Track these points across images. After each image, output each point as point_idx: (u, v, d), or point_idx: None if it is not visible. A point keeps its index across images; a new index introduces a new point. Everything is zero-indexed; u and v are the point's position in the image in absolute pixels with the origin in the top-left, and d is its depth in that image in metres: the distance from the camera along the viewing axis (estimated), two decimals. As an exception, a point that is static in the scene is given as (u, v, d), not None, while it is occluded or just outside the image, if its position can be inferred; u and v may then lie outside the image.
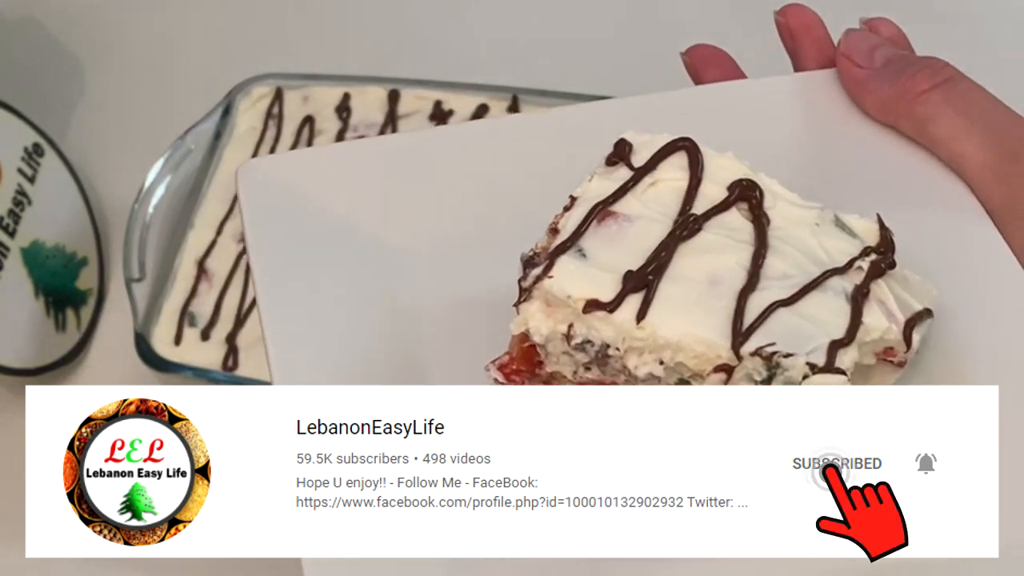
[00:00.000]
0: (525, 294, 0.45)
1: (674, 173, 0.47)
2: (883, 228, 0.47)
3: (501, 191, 0.52)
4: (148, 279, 0.67)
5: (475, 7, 0.84)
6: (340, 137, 0.72)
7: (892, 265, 0.46)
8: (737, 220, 0.47)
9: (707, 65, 0.57)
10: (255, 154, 0.72)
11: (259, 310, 0.49)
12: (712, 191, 0.47)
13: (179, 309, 0.66)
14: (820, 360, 0.43)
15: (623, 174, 0.48)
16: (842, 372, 0.43)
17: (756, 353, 0.43)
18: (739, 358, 0.43)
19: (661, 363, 0.44)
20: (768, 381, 0.44)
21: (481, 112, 0.73)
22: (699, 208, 0.47)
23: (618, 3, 0.84)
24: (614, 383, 0.46)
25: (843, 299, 0.45)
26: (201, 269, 0.67)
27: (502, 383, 0.47)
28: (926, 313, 0.46)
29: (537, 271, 0.45)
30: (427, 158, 0.53)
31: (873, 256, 0.46)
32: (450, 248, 0.51)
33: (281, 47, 0.82)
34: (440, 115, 0.73)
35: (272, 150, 0.72)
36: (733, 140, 0.48)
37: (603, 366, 0.46)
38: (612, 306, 0.44)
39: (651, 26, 0.82)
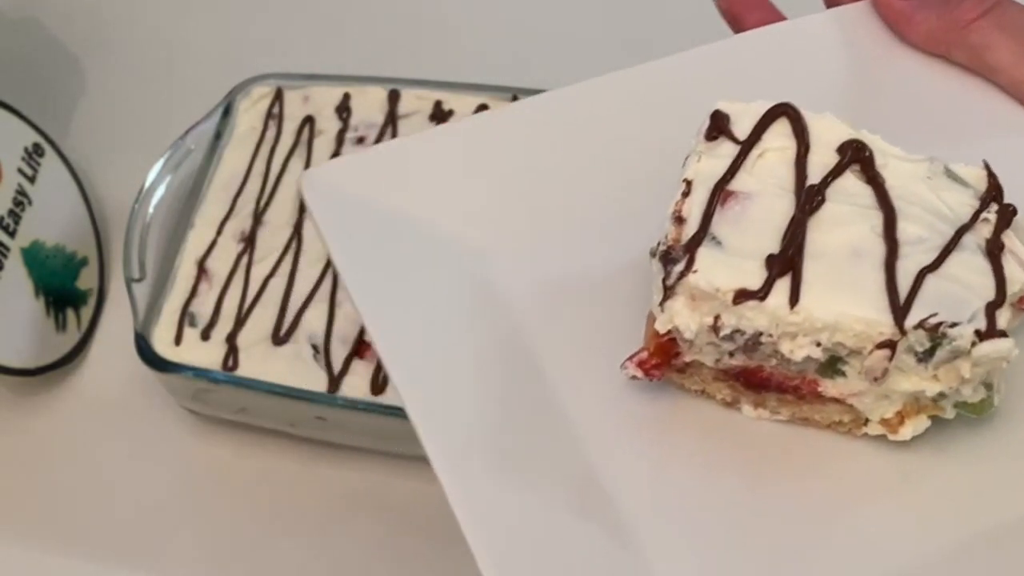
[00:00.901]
0: (669, 292, 0.44)
1: (780, 142, 0.47)
2: (991, 175, 0.46)
3: (565, 168, 0.50)
4: (148, 279, 0.67)
5: (475, 7, 0.84)
6: (340, 137, 0.72)
7: (1015, 212, 0.44)
8: (855, 185, 0.46)
9: (748, 9, 0.56)
10: (255, 154, 0.72)
11: (367, 330, 0.48)
12: (822, 156, 0.46)
13: (179, 309, 0.66)
14: (981, 325, 0.42)
15: (728, 149, 0.47)
16: (1004, 335, 0.42)
17: (920, 326, 0.42)
18: (903, 332, 0.43)
19: (818, 345, 0.44)
20: (931, 353, 0.43)
21: (481, 112, 0.73)
22: (814, 177, 0.46)
23: (619, 3, 0.84)
24: (760, 368, 0.46)
25: (981, 256, 0.44)
26: (201, 269, 0.68)
27: (640, 379, 0.47)
28: None
29: (679, 267, 0.44)
30: (482, 145, 0.52)
31: (994, 206, 0.45)
32: (530, 234, 0.50)
33: (281, 47, 0.82)
34: (440, 115, 0.73)
35: (272, 150, 0.72)
36: (786, 88, 0.47)
37: (752, 352, 0.45)
38: (762, 293, 0.43)
39: (652, 26, 0.82)
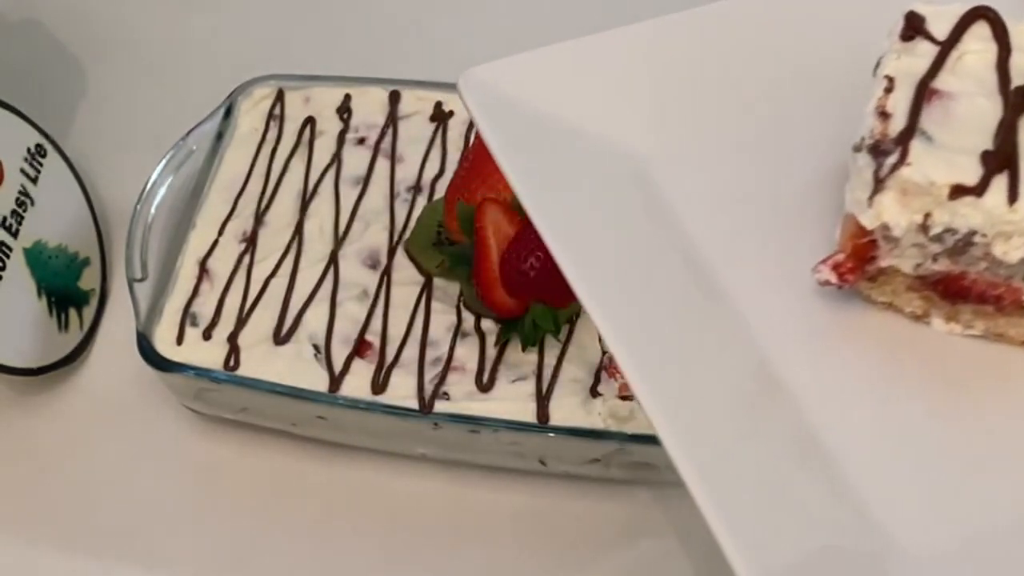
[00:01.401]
0: (879, 185, 0.43)
1: (979, 44, 0.46)
2: None
3: (727, 81, 0.50)
4: (150, 279, 0.67)
5: (475, 7, 0.84)
6: (341, 138, 0.72)
7: None
8: None
9: None
10: (256, 155, 0.72)
11: (544, 237, 0.46)
12: (1023, 61, 0.46)
13: (181, 309, 0.66)
14: None
15: (926, 48, 0.46)
16: None
17: None
18: None
19: None
20: None
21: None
22: (1018, 79, 0.45)
23: (618, 5, 0.84)
24: (963, 274, 0.45)
25: None
26: (203, 269, 0.68)
27: (834, 284, 0.46)
28: None
29: (892, 159, 0.43)
30: (646, 52, 0.52)
31: None
32: (697, 144, 0.49)
33: (282, 48, 0.82)
34: (441, 115, 0.73)
35: (273, 151, 0.72)
36: None
37: (960, 255, 0.44)
38: (979, 190, 0.42)
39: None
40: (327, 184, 0.71)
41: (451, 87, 0.73)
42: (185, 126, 0.72)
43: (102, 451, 0.68)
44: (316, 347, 0.64)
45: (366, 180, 0.71)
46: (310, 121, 0.73)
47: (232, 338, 0.65)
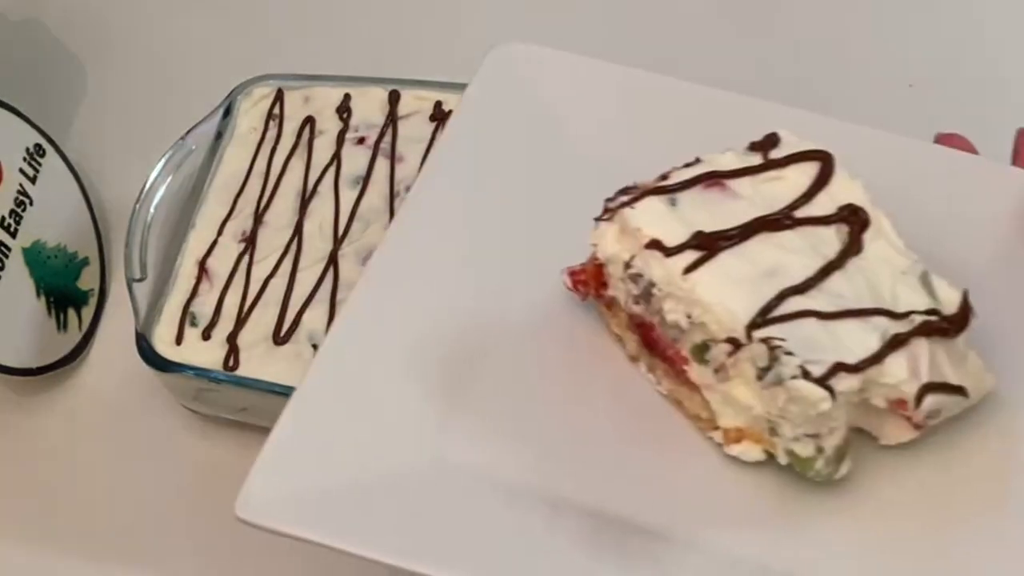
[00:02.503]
0: (608, 214, 0.49)
1: (800, 178, 0.49)
2: (965, 303, 0.47)
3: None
4: (149, 279, 0.67)
5: (475, 8, 0.84)
6: (341, 138, 0.72)
7: (945, 332, 0.46)
8: (830, 236, 0.48)
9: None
10: (256, 154, 0.72)
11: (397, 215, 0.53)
12: (824, 204, 0.49)
13: (180, 309, 0.66)
14: (818, 373, 0.44)
15: (755, 160, 0.50)
16: (830, 390, 0.44)
17: (764, 340, 0.45)
18: (749, 338, 0.45)
19: (688, 317, 0.47)
20: (766, 371, 0.45)
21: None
22: (802, 213, 0.48)
23: (617, 6, 0.84)
24: (652, 326, 0.49)
25: (878, 337, 0.45)
26: (202, 269, 0.68)
27: (570, 289, 0.51)
28: (957, 390, 0.46)
29: (625, 199, 0.49)
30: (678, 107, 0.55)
31: (934, 318, 0.46)
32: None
33: (282, 48, 0.82)
34: (440, 115, 0.73)
35: (273, 151, 0.72)
36: (905, 194, 0.50)
37: (646, 303, 0.48)
38: (671, 252, 0.47)
39: (648, 29, 0.82)
40: (327, 184, 0.71)
41: (451, 87, 0.73)
42: (184, 126, 0.72)
43: (101, 451, 0.68)
44: (316, 347, 0.64)
45: (366, 180, 0.71)
46: (309, 121, 0.73)
47: (231, 338, 0.65)
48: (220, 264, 0.68)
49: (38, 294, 0.69)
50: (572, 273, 0.51)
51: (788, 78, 0.78)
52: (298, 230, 0.69)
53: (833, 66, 0.80)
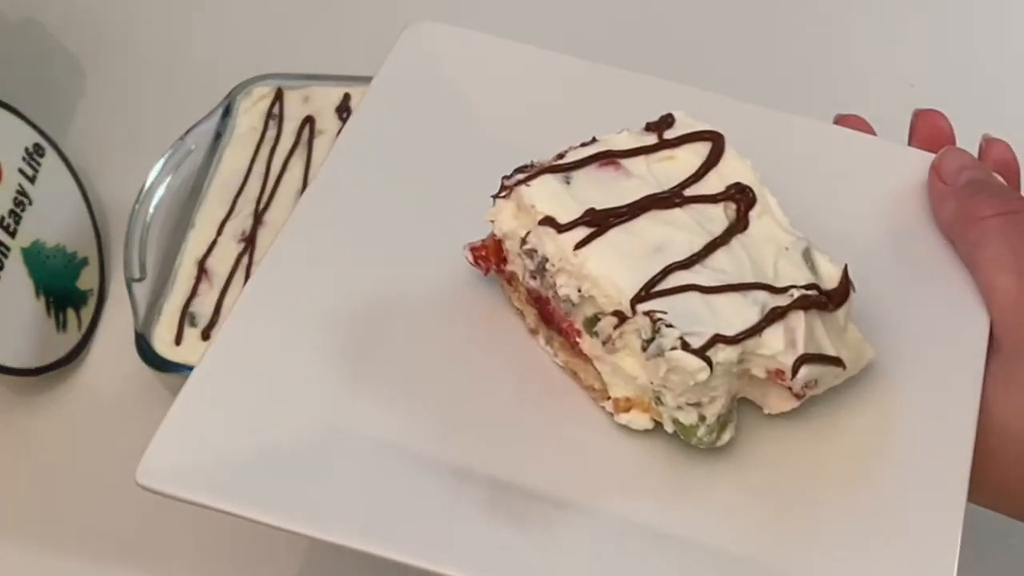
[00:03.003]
0: (505, 191, 0.50)
1: (691, 157, 0.51)
2: (845, 277, 0.48)
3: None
4: (149, 279, 0.67)
5: (474, 8, 0.84)
6: (340, 137, 0.72)
7: (823, 306, 0.48)
8: (718, 213, 0.50)
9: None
10: (255, 154, 0.72)
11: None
12: (713, 183, 0.50)
13: (180, 309, 0.66)
14: (696, 344, 0.46)
15: (650, 140, 0.51)
16: (708, 361, 0.46)
17: (647, 313, 0.47)
18: (633, 311, 0.47)
19: (579, 291, 0.49)
20: (648, 343, 0.47)
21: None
22: (692, 191, 0.50)
23: (615, 7, 0.84)
24: (548, 300, 0.50)
25: (758, 310, 0.47)
26: (202, 269, 0.68)
27: (471, 264, 0.52)
28: (833, 361, 0.48)
29: (521, 176, 0.50)
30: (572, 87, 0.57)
31: (813, 292, 0.47)
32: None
33: (281, 47, 0.82)
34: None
35: (272, 150, 0.72)
36: (794, 172, 0.51)
37: (541, 277, 0.50)
38: (563, 228, 0.49)
39: (646, 29, 0.82)
40: (326, 183, 0.71)
41: (450, 86, 0.73)
42: (184, 125, 0.72)
43: (100, 451, 0.68)
44: (315, 347, 0.64)
45: (365, 179, 0.71)
46: (309, 120, 0.73)
47: (231, 338, 0.65)
48: (220, 264, 0.68)
49: (37, 294, 0.69)
50: (473, 249, 0.52)
51: (787, 78, 0.78)
52: (298, 230, 0.69)
53: (834, 66, 0.80)
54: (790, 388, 0.48)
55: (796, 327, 0.47)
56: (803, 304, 0.47)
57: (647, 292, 0.47)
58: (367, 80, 0.74)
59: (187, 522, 0.65)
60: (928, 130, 0.57)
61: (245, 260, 0.68)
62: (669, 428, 0.48)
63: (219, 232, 0.69)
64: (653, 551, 0.46)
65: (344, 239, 0.53)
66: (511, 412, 0.50)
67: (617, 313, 0.48)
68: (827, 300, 0.48)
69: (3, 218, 0.68)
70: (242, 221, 0.69)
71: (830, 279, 0.48)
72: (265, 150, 0.72)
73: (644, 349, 0.47)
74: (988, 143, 0.56)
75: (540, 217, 0.49)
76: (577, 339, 0.50)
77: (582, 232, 0.48)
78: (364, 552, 0.44)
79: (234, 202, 0.70)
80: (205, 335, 0.65)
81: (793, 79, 0.78)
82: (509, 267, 0.52)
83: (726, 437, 0.48)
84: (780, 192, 0.50)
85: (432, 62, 0.57)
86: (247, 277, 0.67)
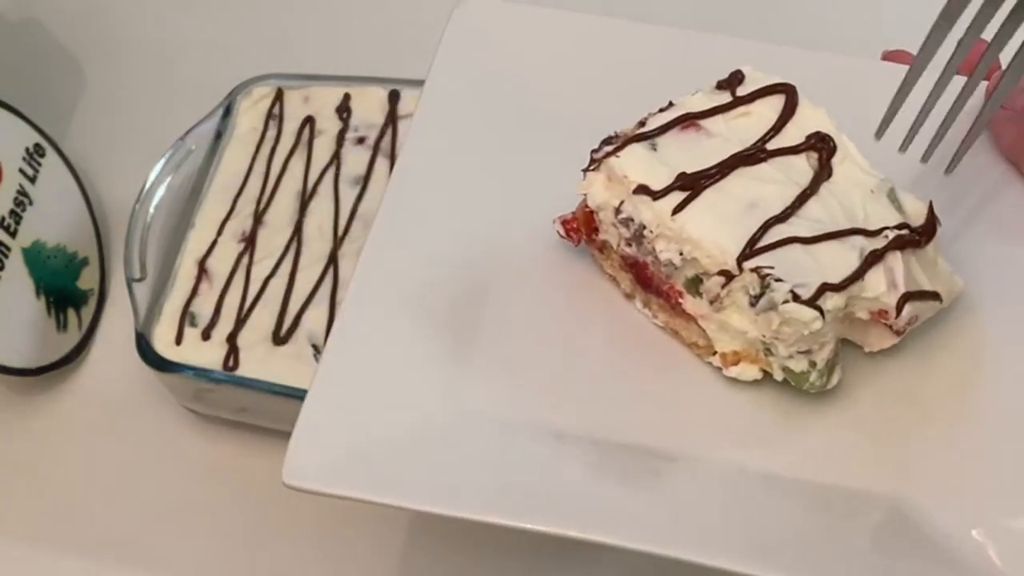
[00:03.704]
0: (594, 164, 0.52)
1: (767, 111, 0.52)
2: (931, 213, 0.50)
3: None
4: (149, 279, 0.67)
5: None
6: (340, 138, 0.72)
7: (916, 244, 0.49)
8: (802, 164, 0.51)
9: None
10: (255, 154, 0.72)
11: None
12: (792, 135, 0.52)
13: (180, 309, 0.66)
14: (806, 295, 0.47)
15: (724, 98, 0.53)
16: (819, 310, 0.47)
17: (754, 270, 0.48)
18: (740, 269, 0.48)
19: (680, 254, 0.50)
20: (758, 298, 0.48)
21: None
22: (773, 145, 0.51)
23: (614, 7, 0.84)
24: (646, 264, 0.52)
25: (857, 255, 0.48)
26: (202, 269, 0.68)
27: (563, 236, 0.54)
28: (931, 295, 0.50)
29: (609, 148, 0.52)
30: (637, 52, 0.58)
31: (905, 231, 0.49)
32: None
33: (282, 47, 0.82)
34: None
35: (273, 151, 0.72)
36: (863, 114, 0.52)
37: (638, 244, 0.51)
38: (658, 195, 0.50)
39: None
40: (326, 184, 0.71)
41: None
42: (184, 126, 0.72)
43: (101, 451, 0.68)
44: (315, 347, 0.64)
45: (366, 180, 0.71)
46: (309, 120, 0.73)
47: (231, 338, 0.65)
48: (220, 264, 0.68)
49: (38, 294, 0.69)
50: (564, 222, 0.53)
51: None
52: (298, 230, 0.69)
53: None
54: (891, 326, 0.49)
55: (895, 267, 0.48)
56: (898, 244, 0.49)
57: (751, 249, 0.48)
58: (367, 80, 0.75)
59: (187, 522, 0.65)
60: (973, 55, 0.57)
61: (245, 260, 0.68)
62: (779, 377, 0.50)
63: (219, 232, 0.69)
64: (769, 493, 0.48)
65: (434, 225, 0.54)
66: (616, 374, 0.51)
67: (724, 272, 0.49)
68: (919, 237, 0.49)
69: (3, 218, 0.68)
70: (242, 221, 0.69)
71: (917, 216, 0.50)
72: (265, 150, 0.72)
73: (753, 304, 0.48)
74: None
75: (634, 186, 0.50)
76: (679, 300, 0.51)
77: (676, 197, 0.50)
78: (494, 524, 0.46)
79: (234, 202, 0.70)
80: (205, 335, 0.65)
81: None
82: (601, 236, 0.53)
83: (835, 379, 0.50)
84: (848, 135, 0.51)
85: (489, 38, 0.58)
86: (247, 277, 0.67)
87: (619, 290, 0.54)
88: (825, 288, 0.48)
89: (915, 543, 0.46)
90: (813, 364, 0.49)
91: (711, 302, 0.50)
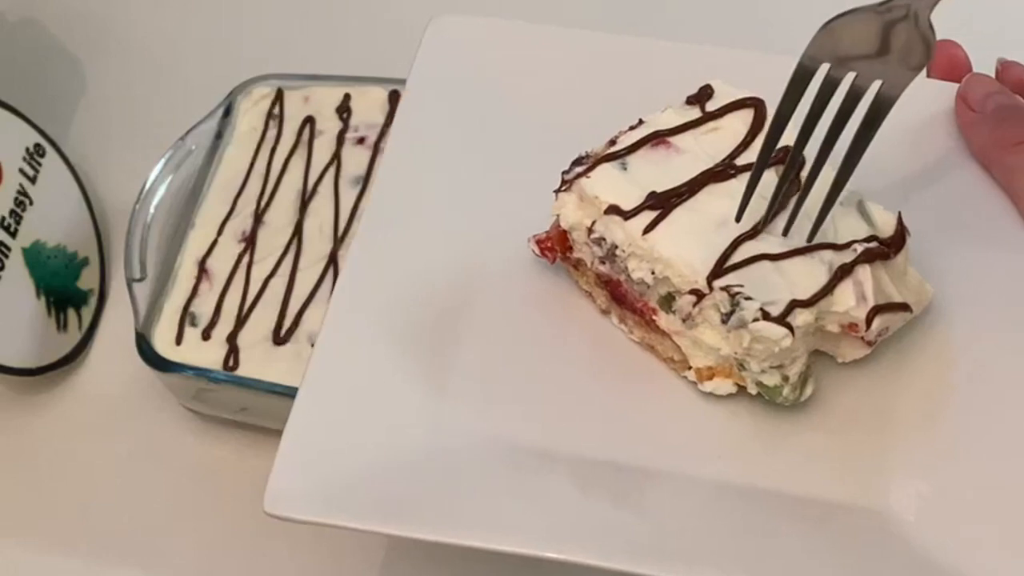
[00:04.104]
0: (566, 185, 0.52)
1: (737, 126, 0.52)
2: (900, 224, 0.50)
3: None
4: (149, 279, 0.67)
5: (475, 8, 0.84)
6: (341, 138, 0.72)
7: (885, 256, 0.49)
8: (770, 179, 0.51)
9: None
10: (256, 154, 0.72)
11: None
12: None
13: (180, 309, 0.66)
14: (776, 312, 0.48)
15: (694, 113, 0.53)
16: (789, 327, 0.48)
17: (724, 288, 0.49)
18: (710, 288, 0.49)
19: (652, 273, 0.50)
20: (729, 316, 0.49)
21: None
22: (742, 160, 0.51)
23: (614, 6, 0.84)
24: (620, 282, 0.52)
25: (826, 270, 0.49)
26: (202, 269, 0.68)
27: (538, 255, 0.54)
28: (901, 307, 0.50)
29: (580, 169, 0.52)
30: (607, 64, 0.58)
31: (874, 244, 0.49)
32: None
33: (282, 47, 0.82)
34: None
35: (273, 151, 0.72)
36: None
37: (611, 263, 0.52)
38: (628, 215, 0.50)
39: (646, 27, 0.82)
40: (327, 184, 0.71)
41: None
42: (184, 126, 0.72)
43: (101, 451, 0.68)
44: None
45: (366, 180, 0.71)
46: (309, 121, 0.73)
47: (231, 338, 0.65)
48: (220, 264, 0.68)
49: (38, 294, 0.69)
50: (539, 241, 0.54)
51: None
52: (298, 230, 0.69)
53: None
54: (862, 338, 0.49)
55: (864, 281, 0.49)
56: (867, 257, 0.49)
57: (720, 268, 0.49)
58: (367, 80, 0.75)
59: (187, 522, 0.65)
60: (945, 60, 0.57)
61: (245, 260, 0.68)
62: (753, 391, 0.50)
63: (219, 232, 0.69)
64: (748, 505, 0.48)
65: (409, 242, 0.54)
66: (593, 389, 0.52)
67: (695, 291, 0.49)
68: (887, 249, 0.49)
69: (4, 218, 0.68)
70: (242, 221, 0.69)
71: (886, 227, 0.50)
72: (265, 150, 0.72)
73: (724, 323, 0.49)
74: (1004, 66, 0.56)
75: (605, 207, 0.51)
76: (653, 316, 0.52)
77: (647, 216, 0.50)
78: (478, 548, 0.46)
79: (234, 202, 0.70)
80: (205, 335, 0.65)
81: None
82: (576, 254, 0.53)
83: (808, 391, 0.50)
84: (814, 139, 0.51)
85: (462, 55, 0.58)
86: (247, 277, 0.67)
87: (595, 306, 0.54)
88: (794, 305, 0.48)
89: (890, 552, 0.46)
90: (786, 378, 0.49)
91: (683, 320, 0.50)
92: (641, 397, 0.52)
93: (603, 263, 0.52)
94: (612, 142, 0.53)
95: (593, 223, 0.51)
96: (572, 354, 0.53)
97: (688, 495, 0.48)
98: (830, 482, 0.48)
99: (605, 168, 0.51)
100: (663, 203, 0.50)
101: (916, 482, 0.48)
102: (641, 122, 0.53)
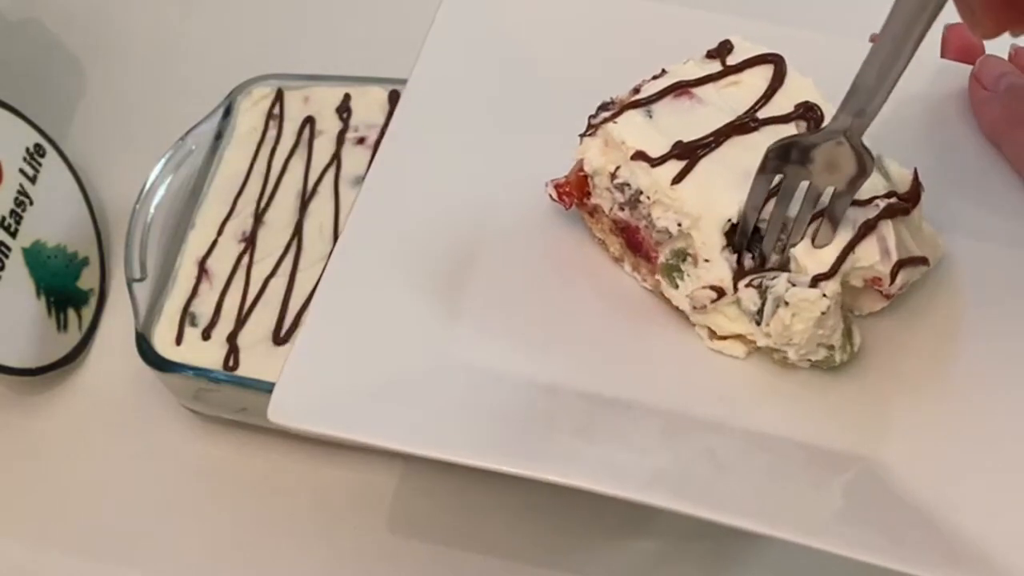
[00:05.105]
0: (591, 129, 0.52)
1: (756, 80, 0.53)
2: (916, 180, 0.51)
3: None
4: (149, 279, 0.67)
5: None
6: (341, 138, 0.72)
7: (905, 211, 0.50)
8: (791, 132, 0.51)
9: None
10: (256, 154, 0.72)
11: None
12: (782, 103, 0.52)
13: (180, 309, 0.66)
14: (802, 281, 0.49)
15: (714, 67, 0.53)
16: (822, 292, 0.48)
17: (748, 285, 0.49)
18: (736, 290, 0.50)
19: (679, 225, 0.51)
20: (760, 311, 0.49)
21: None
22: (764, 114, 0.52)
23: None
24: (637, 228, 0.52)
25: (850, 227, 0.49)
26: (202, 269, 0.68)
27: (554, 199, 0.54)
28: (920, 260, 0.51)
29: (607, 114, 0.52)
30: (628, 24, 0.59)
31: (893, 199, 0.50)
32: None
33: (282, 47, 0.82)
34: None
35: (273, 151, 0.72)
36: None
37: (632, 209, 0.52)
38: (656, 162, 0.51)
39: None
40: (327, 184, 0.71)
41: (451, 86, 0.73)
42: (184, 126, 0.72)
43: (101, 451, 0.68)
44: (316, 347, 0.64)
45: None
46: (309, 121, 0.73)
47: (231, 338, 0.65)
48: (220, 264, 0.68)
49: (38, 294, 0.69)
50: (557, 185, 0.54)
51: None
52: (298, 230, 0.69)
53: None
54: (882, 291, 0.50)
55: (887, 236, 0.49)
56: (889, 213, 0.49)
57: (743, 271, 0.50)
58: (367, 80, 0.75)
59: (186, 522, 0.65)
60: (959, 42, 0.58)
61: (245, 260, 0.68)
62: (805, 365, 0.51)
63: (219, 232, 0.69)
64: (749, 448, 0.49)
65: (428, 183, 0.55)
66: (604, 331, 0.52)
67: (716, 288, 0.50)
68: (907, 204, 0.50)
69: (4, 218, 0.68)
70: (242, 221, 0.69)
71: (903, 182, 0.51)
72: (265, 150, 0.72)
73: (758, 323, 0.49)
74: (1018, 51, 0.57)
75: (631, 152, 0.51)
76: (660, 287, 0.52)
77: (674, 165, 0.50)
78: (473, 466, 0.47)
79: (234, 202, 0.70)
80: (205, 335, 0.65)
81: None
82: (593, 200, 0.54)
83: (857, 341, 0.51)
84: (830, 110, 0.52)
85: (481, 12, 0.59)
86: (247, 277, 0.67)
87: (608, 254, 0.55)
88: (819, 279, 0.49)
89: (888, 502, 0.47)
90: (831, 347, 0.50)
91: (695, 308, 0.51)
92: (649, 339, 0.52)
93: (623, 209, 0.52)
94: (636, 90, 0.53)
95: (617, 168, 0.52)
96: (582, 296, 0.54)
97: (690, 433, 0.49)
98: (833, 432, 0.49)
99: (631, 114, 0.52)
100: (689, 153, 0.51)
101: (916, 433, 0.49)
102: (664, 72, 0.53)
